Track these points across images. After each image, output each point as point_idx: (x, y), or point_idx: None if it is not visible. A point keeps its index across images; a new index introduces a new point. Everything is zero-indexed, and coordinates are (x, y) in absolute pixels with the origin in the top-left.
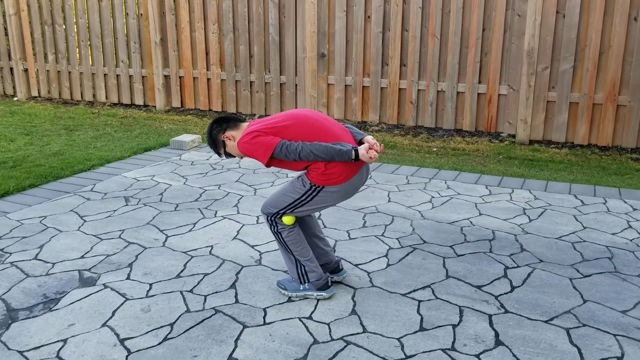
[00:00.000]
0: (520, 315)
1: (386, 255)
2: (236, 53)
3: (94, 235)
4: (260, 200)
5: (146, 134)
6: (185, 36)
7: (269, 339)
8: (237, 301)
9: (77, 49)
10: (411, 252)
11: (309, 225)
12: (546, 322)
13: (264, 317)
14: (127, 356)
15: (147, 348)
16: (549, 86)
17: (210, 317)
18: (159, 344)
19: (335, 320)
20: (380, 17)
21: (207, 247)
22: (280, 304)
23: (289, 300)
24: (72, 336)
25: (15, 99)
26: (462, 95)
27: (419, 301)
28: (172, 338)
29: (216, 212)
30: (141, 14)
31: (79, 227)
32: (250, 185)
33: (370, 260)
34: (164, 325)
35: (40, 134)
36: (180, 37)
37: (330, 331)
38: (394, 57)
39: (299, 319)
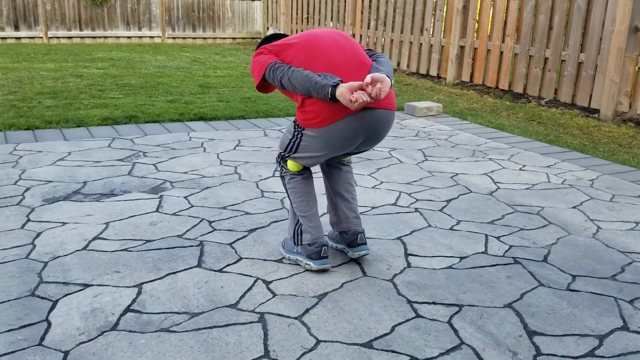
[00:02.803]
0: None
1: (463, 258)
2: (535, 23)
3: (221, 160)
4: (407, 169)
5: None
6: (487, 3)
7: (197, 284)
8: (231, 244)
9: (393, 16)
10: (506, 264)
11: (335, 180)
12: None
13: (228, 266)
14: (76, 250)
15: (99, 251)
16: None
17: (186, 246)
18: (113, 251)
19: (290, 295)
20: None
21: None
22: (264, 259)
23: (280, 260)
24: (74, 222)
25: None
26: None
27: (419, 317)
28: (128, 251)
29: None
30: None
31: (222, 152)
32: (417, 150)
33: (433, 256)
34: (143, 239)
35: None
36: (482, 4)
37: (263, 304)
38: None
39: (257, 279)
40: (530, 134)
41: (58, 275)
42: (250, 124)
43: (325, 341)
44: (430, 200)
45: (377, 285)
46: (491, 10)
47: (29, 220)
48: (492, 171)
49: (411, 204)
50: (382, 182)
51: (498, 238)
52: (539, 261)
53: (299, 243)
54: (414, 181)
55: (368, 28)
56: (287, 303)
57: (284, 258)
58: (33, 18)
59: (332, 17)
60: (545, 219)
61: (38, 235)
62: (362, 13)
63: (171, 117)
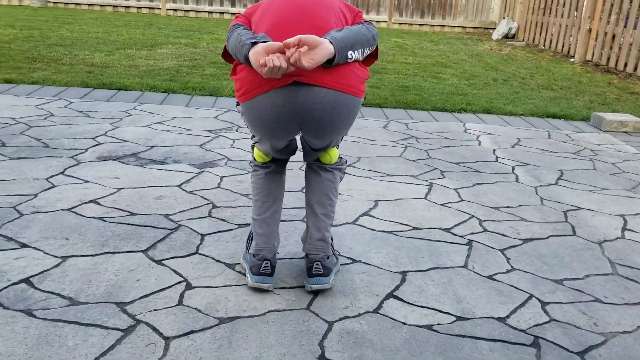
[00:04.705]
0: None
1: (460, 319)
2: None
3: None
4: (514, 191)
5: (599, 105)
6: None
7: (118, 271)
8: (204, 235)
9: (638, 11)
10: (514, 344)
11: (311, 188)
12: None
13: (171, 259)
14: (60, 209)
15: (78, 214)
16: None
17: (158, 228)
18: (88, 217)
19: (193, 309)
20: None
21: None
22: (217, 260)
23: (231, 265)
24: (94, 182)
25: (572, 60)
26: None
27: None
28: (102, 220)
29: (429, 182)
30: None
31: None
32: (556, 170)
33: (422, 306)
34: (129, 212)
35: (488, 81)
36: None
37: (153, 311)
38: None
39: (183, 281)
40: None
41: (14, 229)
42: (381, 114)
43: None
44: (502, 235)
45: (306, 325)
46: None
47: (62, 173)
48: (635, 214)
49: (471, 233)
50: (461, 201)
51: (545, 305)
52: (571, 352)
53: (248, 248)
54: (506, 207)
55: (608, 23)
56: (178, 318)
57: (239, 264)
58: None
59: (569, 8)
60: (619, 261)
61: (50, 188)
62: (603, 4)
63: None
